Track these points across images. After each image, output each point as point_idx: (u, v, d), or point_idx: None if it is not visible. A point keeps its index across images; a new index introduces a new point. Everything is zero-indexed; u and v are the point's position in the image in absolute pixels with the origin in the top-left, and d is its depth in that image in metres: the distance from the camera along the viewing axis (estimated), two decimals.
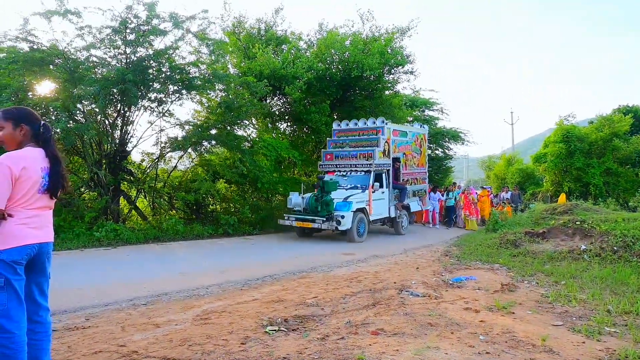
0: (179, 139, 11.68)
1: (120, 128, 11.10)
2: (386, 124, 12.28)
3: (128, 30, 10.01)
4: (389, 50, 14.62)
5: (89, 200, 10.62)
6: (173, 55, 10.91)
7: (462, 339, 3.48)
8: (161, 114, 11.59)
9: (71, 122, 9.66)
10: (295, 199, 10.93)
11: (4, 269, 2.26)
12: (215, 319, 4.10)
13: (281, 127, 16.96)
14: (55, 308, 3.83)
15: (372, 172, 11.34)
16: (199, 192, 11.44)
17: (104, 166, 10.60)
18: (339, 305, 4.61)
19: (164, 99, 11.37)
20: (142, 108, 11.15)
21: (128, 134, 11.27)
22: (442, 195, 15.88)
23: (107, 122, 10.99)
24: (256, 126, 16.14)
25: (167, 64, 10.67)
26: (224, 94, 12.55)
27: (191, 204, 11.94)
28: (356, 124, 12.71)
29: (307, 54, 15.03)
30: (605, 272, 6.05)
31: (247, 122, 14.31)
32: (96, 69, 10.24)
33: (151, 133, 12.16)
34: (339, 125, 13.04)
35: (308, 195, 10.89)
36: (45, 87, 9.77)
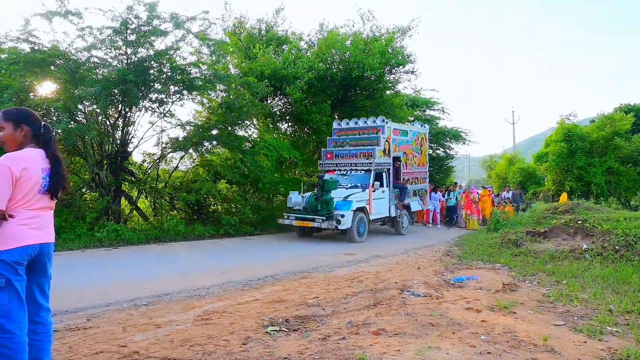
0: (180, 139, 11.68)
1: (121, 129, 11.10)
2: (386, 122, 12.27)
3: (129, 31, 10.01)
4: (390, 50, 14.60)
5: (90, 201, 10.62)
6: (174, 55, 10.92)
7: (463, 338, 3.47)
8: (162, 115, 11.59)
9: (72, 122, 9.67)
10: (295, 198, 10.90)
11: (5, 269, 2.26)
12: (216, 319, 4.10)
13: (282, 127, 16.97)
14: (56, 308, 3.84)
15: (373, 171, 11.32)
16: (200, 193, 11.44)
17: (105, 167, 10.60)
18: (340, 305, 4.61)
19: (165, 99, 11.37)
20: (143, 108, 11.16)
21: (129, 134, 11.29)
22: (443, 195, 15.86)
23: (108, 122, 11.00)
24: (257, 126, 16.15)
25: (168, 64, 10.68)
26: (225, 95, 12.56)
27: (192, 204, 11.95)
28: (356, 122, 12.69)
29: (308, 54, 15.03)
30: (607, 271, 6.04)
31: (248, 123, 14.32)
32: (97, 70, 10.25)
33: (152, 133, 12.19)
34: (339, 124, 13.03)
35: (308, 194, 10.88)
36: (46, 88, 9.80)
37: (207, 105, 13.41)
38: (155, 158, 12.11)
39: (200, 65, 11.40)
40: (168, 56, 10.62)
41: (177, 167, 12.99)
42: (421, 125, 15.19)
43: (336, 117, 14.64)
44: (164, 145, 11.84)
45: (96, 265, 7.17)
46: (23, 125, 2.47)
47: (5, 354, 2.23)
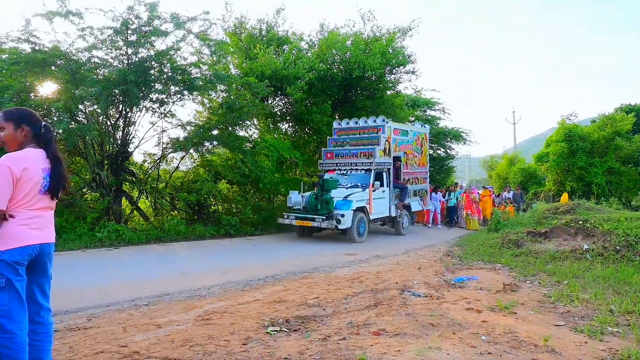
0: (181, 139, 11.69)
1: (122, 129, 11.11)
2: (387, 122, 12.26)
3: (129, 31, 10.02)
4: (391, 50, 14.61)
5: (91, 201, 10.63)
6: (174, 56, 10.93)
7: (464, 339, 3.47)
8: (163, 115, 11.60)
9: (73, 123, 9.67)
10: (295, 198, 10.89)
11: (6, 269, 2.26)
12: (216, 319, 4.10)
13: (283, 127, 16.97)
14: (57, 308, 3.85)
15: (373, 171, 11.31)
16: (200, 193, 11.45)
17: (106, 167, 10.61)
18: (340, 305, 4.61)
19: (165, 99, 11.38)
20: (144, 109, 11.17)
21: (130, 134, 11.29)
22: (444, 196, 15.85)
23: (108, 122, 11.01)
24: (258, 127, 16.14)
25: (168, 64, 10.68)
26: (225, 95, 12.56)
27: (193, 204, 11.96)
28: (357, 122, 12.69)
29: (309, 54, 15.02)
30: (607, 271, 6.04)
31: (248, 123, 14.31)
32: (98, 70, 10.26)
33: (153, 134, 12.19)
34: (340, 123, 13.03)
35: (308, 193, 10.87)
36: (47, 88, 9.80)
37: (208, 105, 13.41)
38: (156, 158, 12.13)
39: (201, 65, 11.40)
40: (169, 56, 10.63)
41: (177, 167, 13.00)
42: (422, 126, 15.18)
43: (337, 117, 14.65)
44: (164, 146, 11.86)
45: (97, 266, 7.18)
46: (24, 126, 2.47)
47: (5, 354, 2.23)
